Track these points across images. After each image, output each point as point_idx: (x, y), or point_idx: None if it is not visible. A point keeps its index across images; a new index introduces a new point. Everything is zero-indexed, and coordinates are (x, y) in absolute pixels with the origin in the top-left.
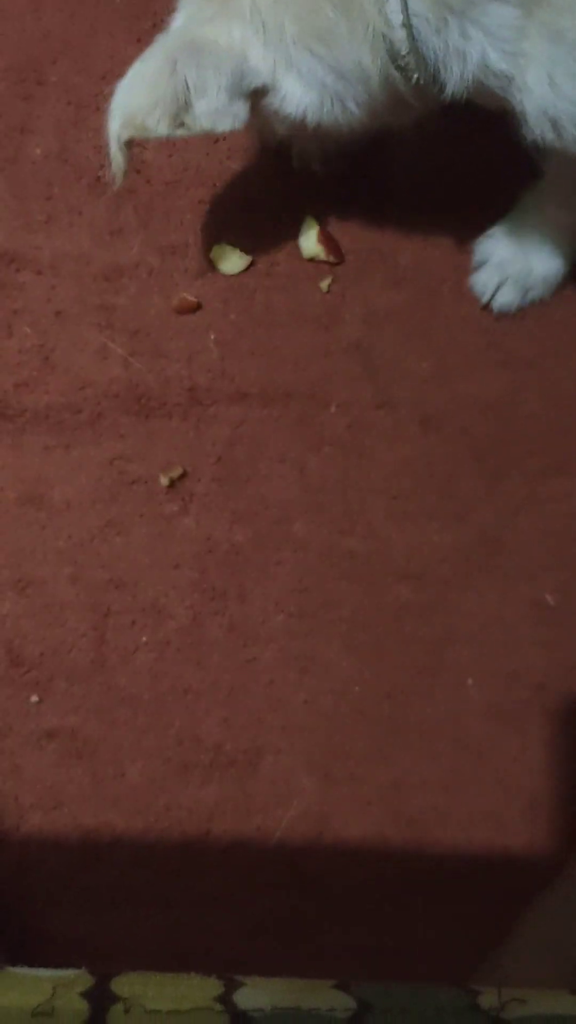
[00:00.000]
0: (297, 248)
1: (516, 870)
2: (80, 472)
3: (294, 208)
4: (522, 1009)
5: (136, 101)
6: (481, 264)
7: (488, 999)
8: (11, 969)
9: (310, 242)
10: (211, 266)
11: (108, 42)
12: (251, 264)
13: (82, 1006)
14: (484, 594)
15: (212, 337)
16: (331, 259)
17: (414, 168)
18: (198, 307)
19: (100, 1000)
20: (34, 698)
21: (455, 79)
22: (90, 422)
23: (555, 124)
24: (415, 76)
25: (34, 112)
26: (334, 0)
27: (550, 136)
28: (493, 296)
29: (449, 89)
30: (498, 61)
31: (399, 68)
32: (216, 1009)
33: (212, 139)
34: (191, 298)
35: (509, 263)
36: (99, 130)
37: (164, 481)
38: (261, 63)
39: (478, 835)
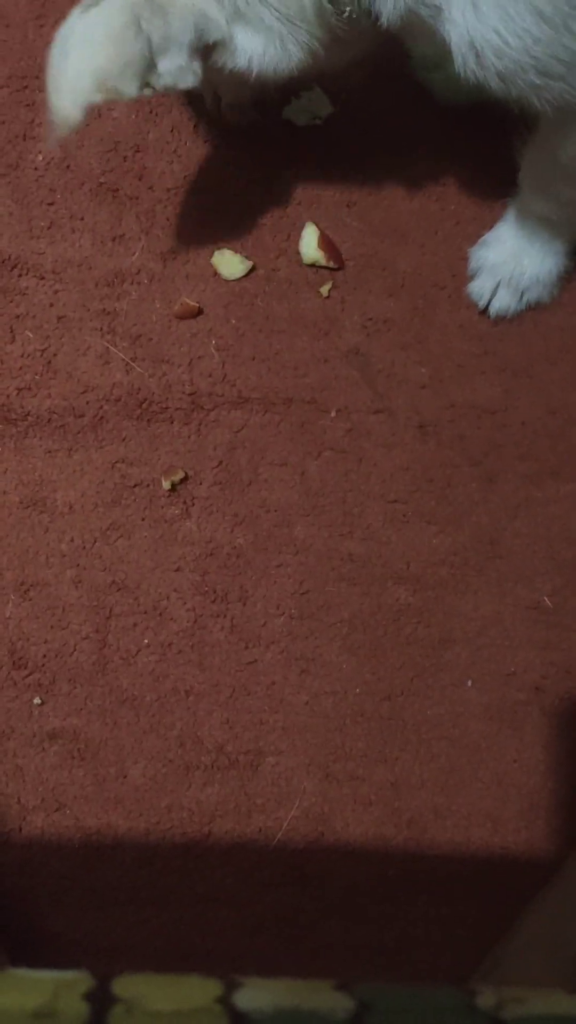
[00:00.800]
0: (297, 254)
1: (515, 870)
2: (82, 476)
3: (294, 214)
4: (520, 1009)
5: (103, 62)
6: (477, 270)
7: (486, 999)
8: (12, 970)
9: (310, 248)
10: (212, 272)
11: None
12: (252, 270)
13: (83, 1008)
14: (482, 596)
15: (213, 342)
16: (331, 265)
17: (414, 171)
18: (199, 312)
19: (101, 1001)
20: (36, 700)
21: (389, 9)
22: (92, 426)
23: (478, 54)
24: (347, 9)
25: (36, 119)
26: None
27: (473, 66)
28: (490, 301)
29: (384, 19)
30: None
31: (332, 1)
32: (217, 1010)
33: (213, 145)
34: (192, 303)
35: (502, 267)
36: (102, 138)
37: (166, 485)
38: (219, 16)
39: (477, 835)
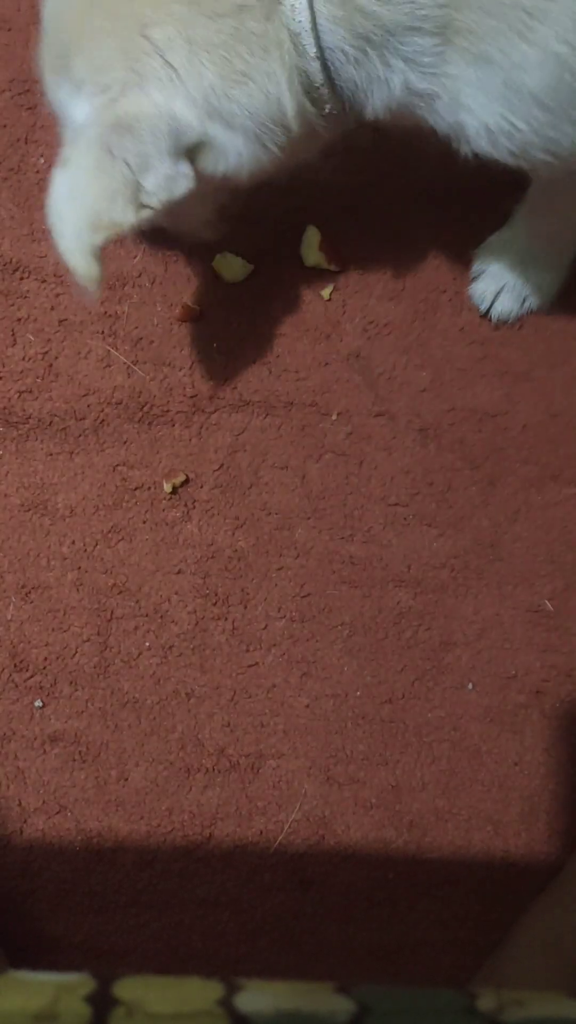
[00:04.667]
0: (299, 257)
1: (515, 873)
2: (84, 478)
3: (296, 217)
4: (520, 1012)
5: (90, 202)
6: (479, 273)
7: (486, 1001)
8: (14, 973)
9: (312, 251)
10: (214, 275)
11: None
12: (253, 273)
13: (84, 1010)
14: (482, 599)
15: (214, 345)
16: (333, 268)
17: (416, 178)
18: (200, 315)
19: (102, 1004)
20: (38, 703)
21: (377, 105)
22: (93, 429)
23: (489, 135)
24: (327, 107)
25: (37, 123)
26: (249, 42)
27: (485, 146)
28: (491, 305)
29: (368, 114)
30: (420, 81)
31: (312, 100)
32: (217, 1012)
33: None
34: (194, 306)
35: (506, 272)
36: None
37: (167, 488)
38: (190, 115)
39: (478, 838)
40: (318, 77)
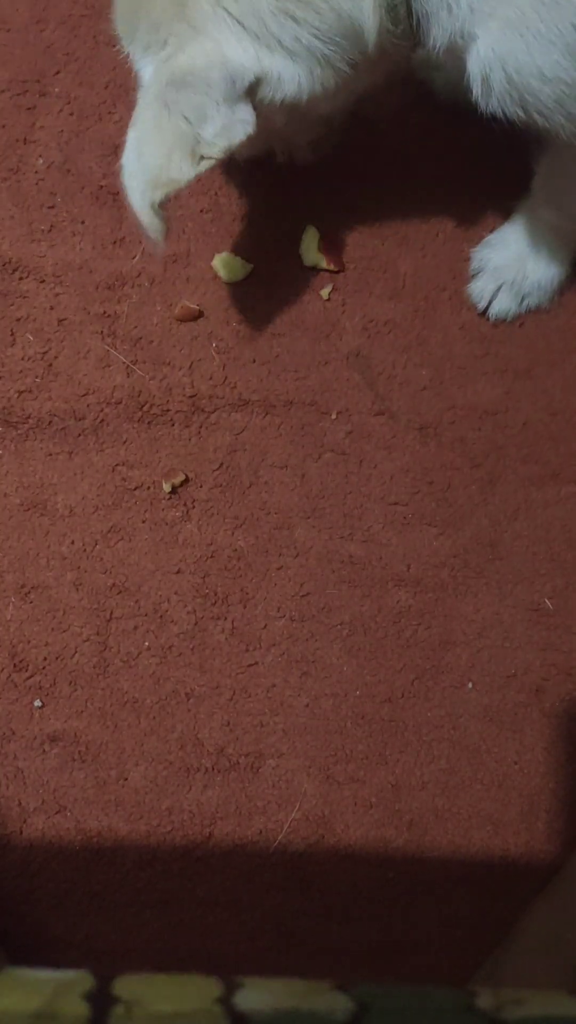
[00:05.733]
0: (298, 257)
1: (515, 872)
2: (83, 478)
3: (295, 217)
4: (520, 1010)
5: (150, 160)
6: (478, 271)
7: (486, 1000)
8: (13, 970)
9: (311, 251)
10: (213, 274)
11: (110, 54)
12: (252, 272)
13: (83, 1008)
14: (482, 598)
15: (214, 345)
16: (332, 267)
17: (414, 173)
18: (200, 315)
19: (101, 1002)
20: (37, 703)
21: (438, 34)
22: (93, 429)
23: (510, 78)
24: (400, 27)
25: (37, 123)
26: None
27: (504, 86)
28: (490, 303)
29: (429, 42)
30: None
31: (392, 19)
32: (216, 1011)
33: None
34: (193, 306)
35: (505, 270)
36: (103, 141)
37: (166, 487)
38: (243, 57)
39: (477, 837)
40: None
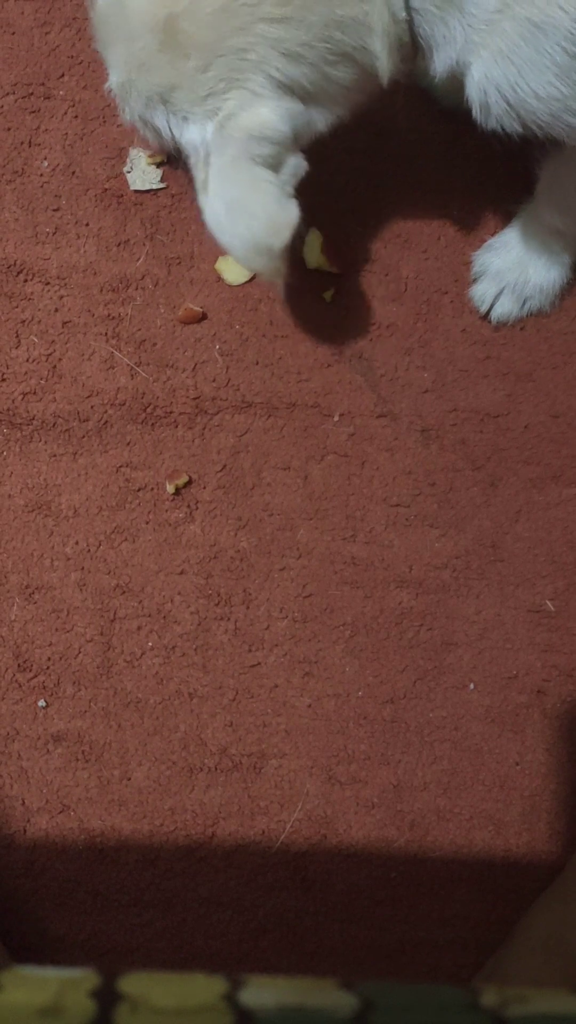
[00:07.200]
0: (301, 259)
1: (517, 872)
2: (87, 479)
3: (298, 220)
4: (523, 1008)
5: (259, 210)
6: (480, 275)
7: (489, 997)
8: (18, 968)
9: (314, 253)
10: (216, 277)
11: None
12: (255, 275)
13: (89, 1005)
14: (484, 600)
15: (217, 347)
16: (334, 270)
17: (416, 176)
18: (203, 317)
19: (107, 999)
20: (41, 702)
21: (441, 60)
22: (97, 430)
23: (509, 102)
24: (407, 64)
25: (42, 126)
26: (345, 26)
27: (507, 112)
28: (491, 306)
29: (431, 70)
30: (474, 35)
31: (401, 58)
32: (222, 1007)
33: None
34: (196, 308)
35: (507, 273)
36: (107, 144)
37: (170, 489)
38: (296, 108)
39: (479, 837)
40: (405, 36)
